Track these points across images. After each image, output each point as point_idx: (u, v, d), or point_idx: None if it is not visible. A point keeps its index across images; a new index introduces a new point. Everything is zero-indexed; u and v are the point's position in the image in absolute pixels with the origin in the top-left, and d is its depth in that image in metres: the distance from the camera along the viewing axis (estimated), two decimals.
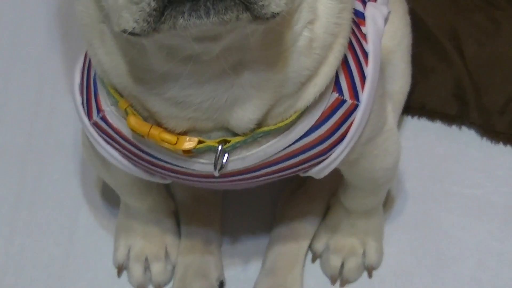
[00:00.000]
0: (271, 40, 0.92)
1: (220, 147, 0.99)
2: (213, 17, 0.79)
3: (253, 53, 0.91)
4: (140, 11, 0.80)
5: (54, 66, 1.51)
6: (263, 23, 0.82)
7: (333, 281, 1.33)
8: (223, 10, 0.79)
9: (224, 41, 0.87)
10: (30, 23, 1.56)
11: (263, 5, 0.80)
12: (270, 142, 1.00)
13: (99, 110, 1.05)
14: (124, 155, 1.07)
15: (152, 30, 0.80)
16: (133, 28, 0.81)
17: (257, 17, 0.81)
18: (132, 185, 1.24)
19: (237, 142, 0.99)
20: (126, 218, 1.34)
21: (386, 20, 1.08)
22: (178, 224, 1.36)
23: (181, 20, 0.79)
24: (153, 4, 0.79)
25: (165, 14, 0.79)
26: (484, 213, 1.37)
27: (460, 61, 1.44)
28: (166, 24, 0.80)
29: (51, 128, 1.46)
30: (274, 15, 0.81)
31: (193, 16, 0.79)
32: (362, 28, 1.04)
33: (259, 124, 0.98)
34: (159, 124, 0.98)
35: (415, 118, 1.45)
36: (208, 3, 0.79)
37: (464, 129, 1.44)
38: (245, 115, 0.96)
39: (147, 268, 1.33)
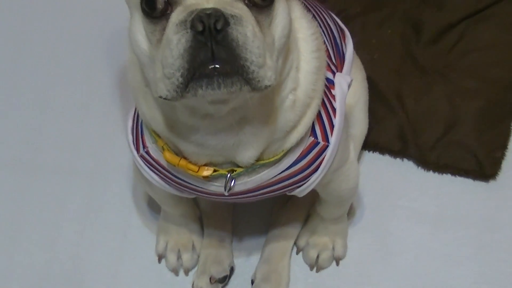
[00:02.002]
0: (265, 102, 0.93)
1: (229, 175, 0.99)
2: (223, 89, 0.81)
3: (252, 111, 0.93)
4: (171, 84, 0.81)
5: (115, 113, 1.50)
6: (259, 92, 0.84)
7: (311, 268, 1.33)
8: (230, 84, 0.81)
9: (231, 104, 0.89)
10: (101, 85, 1.54)
11: (259, 80, 0.82)
12: (265, 171, 1.01)
13: (144, 146, 1.06)
14: (162, 178, 1.08)
15: (179, 97, 0.82)
16: (166, 95, 0.83)
17: (254, 88, 0.82)
18: (168, 198, 1.24)
19: (241, 171, 1.00)
20: (164, 222, 1.34)
21: (349, 85, 1.08)
22: (201, 226, 1.36)
23: (200, 91, 0.81)
24: (180, 79, 0.81)
25: (189, 86, 0.81)
26: (419, 220, 1.36)
27: (402, 113, 1.44)
28: (190, 93, 0.82)
29: (113, 157, 1.45)
30: (266, 87, 0.83)
31: (209, 88, 0.81)
32: (332, 91, 1.05)
33: (257, 159, 0.99)
34: (185, 158, 0.99)
35: (371, 152, 1.43)
36: (219, 79, 0.81)
37: (405, 160, 1.43)
38: (246, 154, 0.97)
39: (179, 257, 1.33)
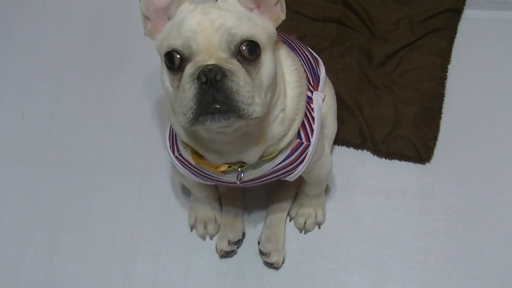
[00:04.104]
0: (260, 121, 0.96)
1: (239, 169, 1.01)
2: (222, 121, 0.85)
3: (251, 128, 0.95)
4: (186, 118, 0.85)
5: (157, 127, 1.47)
6: (251, 121, 0.87)
7: (300, 231, 1.34)
8: (227, 118, 0.85)
9: (233, 127, 0.92)
10: (147, 108, 1.50)
11: (248, 115, 0.85)
12: (265, 165, 1.03)
13: (177, 150, 1.08)
14: (191, 172, 1.10)
15: (192, 125, 0.85)
16: (184, 125, 0.86)
17: (245, 119, 0.86)
18: (196, 185, 1.26)
19: (248, 167, 1.02)
20: (194, 202, 1.36)
21: (323, 100, 1.11)
22: (221, 204, 1.36)
23: (207, 123, 0.85)
24: (192, 116, 0.84)
25: (198, 120, 0.85)
26: (376, 193, 1.37)
27: (361, 117, 1.43)
28: (199, 124, 0.85)
29: (156, 158, 1.44)
30: (255, 118, 0.86)
31: (212, 121, 0.85)
32: (311, 105, 1.07)
33: (259, 158, 1.01)
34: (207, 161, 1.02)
35: (339, 146, 1.42)
36: (219, 116, 0.84)
37: (364, 151, 1.42)
38: (250, 156, 1.00)
39: (205, 227, 1.34)
